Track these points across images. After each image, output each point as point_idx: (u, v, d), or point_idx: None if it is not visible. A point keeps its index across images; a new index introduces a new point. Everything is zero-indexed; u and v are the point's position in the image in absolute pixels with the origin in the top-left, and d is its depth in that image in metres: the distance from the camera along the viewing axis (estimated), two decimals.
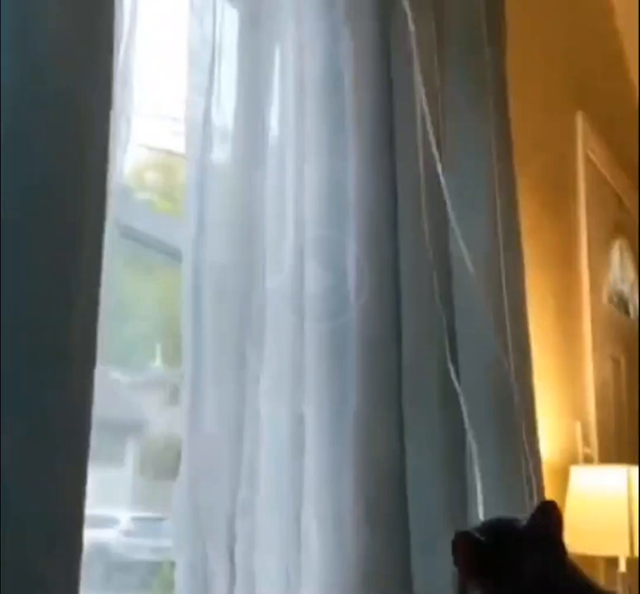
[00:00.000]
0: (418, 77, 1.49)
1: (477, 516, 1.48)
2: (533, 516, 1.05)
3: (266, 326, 1.27)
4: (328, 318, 1.37)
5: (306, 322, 1.33)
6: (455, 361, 1.52)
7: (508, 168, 1.80)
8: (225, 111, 1.26)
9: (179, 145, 1.55)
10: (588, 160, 2.84)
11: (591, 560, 2.22)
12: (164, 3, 1.37)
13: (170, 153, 1.63)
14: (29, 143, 0.82)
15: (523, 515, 1.08)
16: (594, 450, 2.63)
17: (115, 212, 0.97)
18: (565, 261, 2.69)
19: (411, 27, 1.49)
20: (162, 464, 1.53)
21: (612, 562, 2.26)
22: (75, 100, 0.85)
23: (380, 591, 1.35)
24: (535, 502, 1.67)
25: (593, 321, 2.74)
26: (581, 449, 2.55)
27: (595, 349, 2.73)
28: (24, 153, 0.81)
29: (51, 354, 0.80)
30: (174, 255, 1.37)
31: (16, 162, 0.80)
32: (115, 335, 1.38)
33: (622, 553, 2.18)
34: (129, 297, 1.50)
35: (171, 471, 1.20)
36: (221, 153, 1.26)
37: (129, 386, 1.56)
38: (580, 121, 2.81)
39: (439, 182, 1.52)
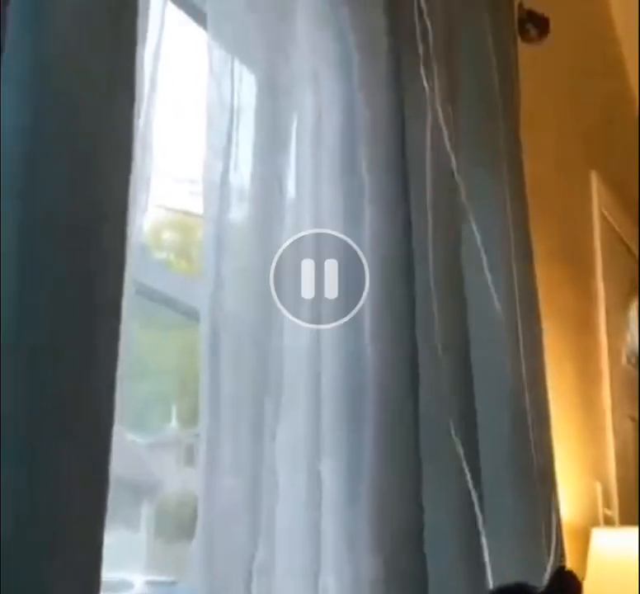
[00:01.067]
0: (431, 144, 1.52)
1: (495, 577, 1.46)
2: (550, 585, 1.02)
3: (283, 383, 1.27)
4: (345, 374, 1.37)
5: (323, 379, 1.32)
6: (474, 424, 1.51)
7: (524, 232, 1.82)
8: (242, 173, 1.28)
9: (196, 205, 1.57)
10: (603, 219, 2.85)
11: None
12: (183, 67, 1.40)
13: (187, 213, 1.65)
14: (50, 204, 0.83)
15: (541, 581, 1.06)
16: (615, 512, 2.60)
17: (132, 271, 0.98)
18: (583, 323, 2.69)
19: (427, 94, 1.52)
20: (177, 526, 1.51)
21: None
22: (97, 163, 0.86)
23: None
24: (554, 564, 1.65)
25: (611, 382, 2.73)
26: (601, 510, 2.52)
27: (614, 410, 2.71)
28: (45, 214, 0.82)
29: (70, 414, 0.80)
30: (189, 314, 1.38)
31: (38, 222, 0.80)
32: (131, 395, 1.38)
33: None
34: (145, 357, 1.50)
35: (186, 532, 1.18)
36: (238, 213, 1.28)
37: (145, 447, 1.55)
38: (594, 181, 2.83)
39: (455, 246, 1.53)
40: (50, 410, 0.79)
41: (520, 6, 2.08)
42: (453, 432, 1.48)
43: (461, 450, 1.48)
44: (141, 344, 1.42)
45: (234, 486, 1.21)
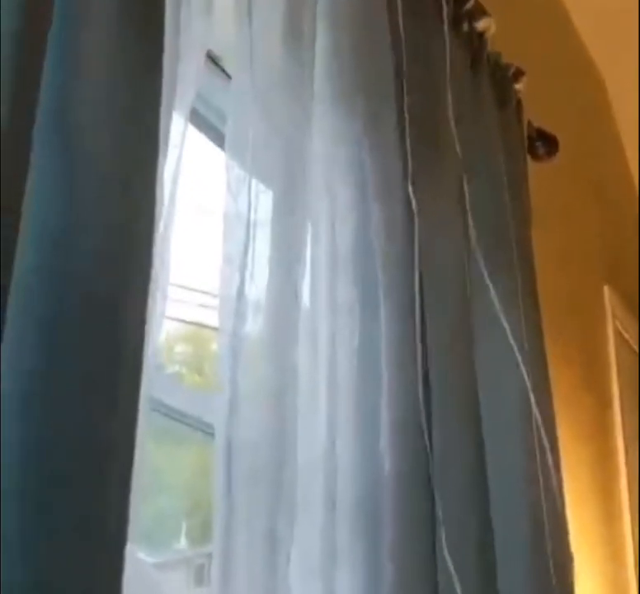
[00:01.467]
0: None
1: None
2: None
3: (297, 501, 1.24)
4: (360, 485, 1.34)
5: (338, 496, 1.30)
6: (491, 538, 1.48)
7: (538, 344, 1.81)
8: (258, 285, 1.28)
9: (208, 317, 1.57)
10: (618, 333, 2.85)
11: None
12: (201, 184, 1.42)
13: (199, 325, 1.65)
14: (68, 322, 0.83)
15: None
16: None
17: (148, 386, 0.97)
18: (600, 433, 2.66)
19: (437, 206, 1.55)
20: None
21: None
22: (118, 278, 0.87)
23: None
24: None
25: (631, 498, 2.68)
26: None
27: (633, 523, 2.65)
28: (63, 333, 0.82)
29: (83, 535, 0.78)
30: (201, 428, 1.36)
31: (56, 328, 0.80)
32: (141, 512, 1.35)
33: None
34: (155, 472, 1.47)
35: None
36: (254, 326, 1.27)
37: (154, 566, 1.51)
38: (607, 295, 2.85)
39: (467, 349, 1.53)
40: (63, 531, 0.77)
41: (530, 124, 2.12)
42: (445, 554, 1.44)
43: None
44: (151, 459, 1.40)
45: None
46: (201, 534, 1.62)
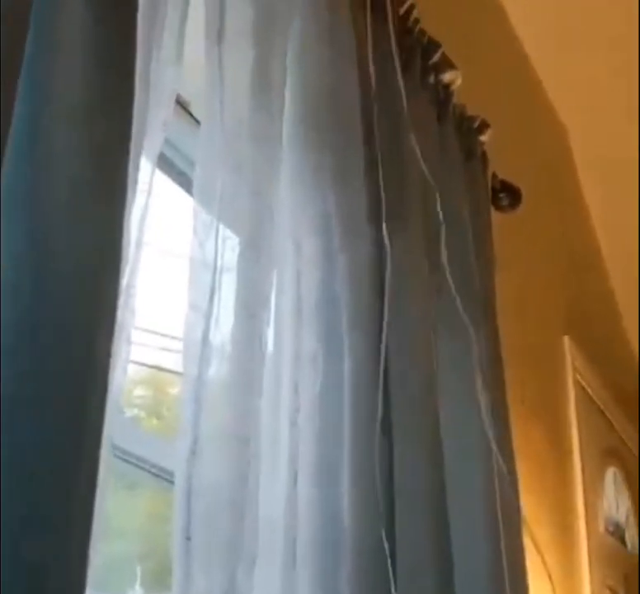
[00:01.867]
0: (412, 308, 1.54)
1: None
2: None
3: (258, 550, 1.23)
4: (321, 539, 1.33)
5: (298, 545, 1.29)
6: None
7: (500, 396, 1.82)
8: (223, 331, 1.28)
9: (168, 361, 1.56)
10: (578, 384, 2.87)
11: None
12: (168, 229, 1.42)
13: (158, 368, 1.64)
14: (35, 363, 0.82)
15: None
16: None
17: (110, 431, 0.96)
18: (560, 486, 2.66)
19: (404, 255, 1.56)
20: None
21: None
22: (84, 323, 0.87)
23: None
24: None
25: (590, 550, 2.67)
26: None
27: (592, 580, 2.64)
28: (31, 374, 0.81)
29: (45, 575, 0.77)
30: (155, 473, 1.34)
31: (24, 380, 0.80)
32: (97, 557, 1.33)
33: None
34: (109, 518, 1.45)
35: None
36: (218, 371, 1.27)
37: None
38: (567, 345, 2.87)
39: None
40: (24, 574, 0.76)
41: (494, 176, 2.15)
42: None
43: None
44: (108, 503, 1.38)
45: None
46: (156, 579, 1.60)
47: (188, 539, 1.16)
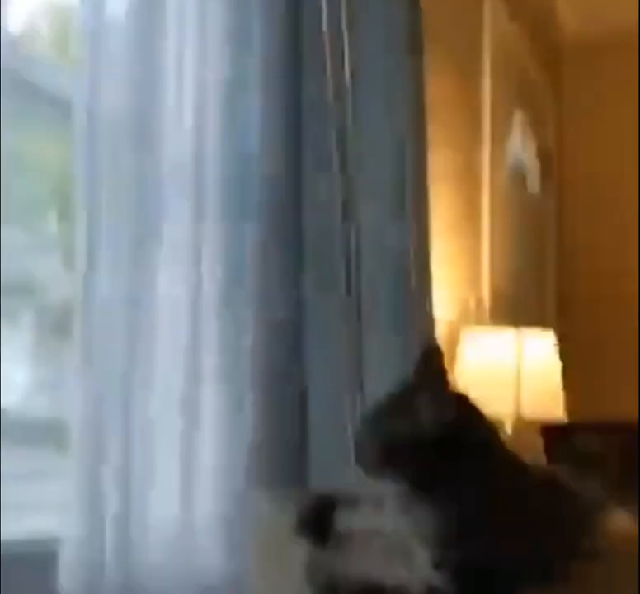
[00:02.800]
0: None
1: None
2: (418, 362, 1.05)
3: (165, 183, 1.25)
4: (229, 173, 1.36)
5: (208, 172, 1.31)
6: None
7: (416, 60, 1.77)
8: None
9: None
10: (496, 30, 2.81)
11: None
12: None
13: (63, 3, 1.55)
14: None
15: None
16: (485, 315, 2.69)
17: (5, 62, 0.93)
18: (467, 135, 2.69)
19: None
20: (59, 327, 1.51)
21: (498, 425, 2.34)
22: None
23: (274, 455, 1.39)
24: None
25: (492, 192, 2.77)
26: (474, 313, 2.60)
27: (493, 216, 2.77)
28: None
29: None
30: (60, 107, 1.31)
31: None
32: (10, 195, 1.33)
33: (508, 415, 2.26)
34: (18, 156, 1.44)
35: (68, 333, 1.19)
36: (119, 6, 1.21)
37: (23, 247, 1.52)
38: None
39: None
40: None
41: None
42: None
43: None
44: (16, 141, 1.36)
45: (112, 292, 1.21)
46: (71, 217, 1.62)
47: (93, 175, 1.16)
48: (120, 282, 1.21)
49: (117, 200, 1.21)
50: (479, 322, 2.62)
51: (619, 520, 1.05)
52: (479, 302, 2.68)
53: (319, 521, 0.99)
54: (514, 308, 2.93)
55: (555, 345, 2.37)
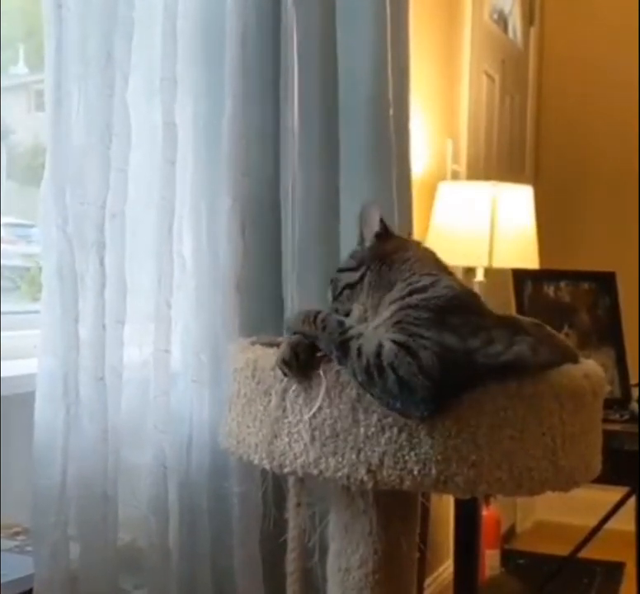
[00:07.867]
0: None
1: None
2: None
3: (135, 15, 1.20)
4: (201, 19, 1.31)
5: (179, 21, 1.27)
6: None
7: None
8: None
9: None
10: None
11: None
12: None
13: None
14: None
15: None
16: (462, 167, 2.69)
17: None
18: None
19: None
20: (30, 172, 1.49)
21: (471, 271, 2.38)
22: None
23: (252, 294, 1.41)
24: (399, 215, 1.73)
25: (473, 36, 2.71)
26: (450, 166, 2.60)
27: (471, 65, 2.71)
28: None
29: None
30: None
31: None
32: None
33: (480, 263, 2.30)
34: None
35: (40, 178, 1.16)
36: None
37: None
38: None
39: None
40: None
41: None
42: None
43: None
44: None
45: (84, 135, 1.18)
46: (38, 59, 1.58)
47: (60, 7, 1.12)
48: (92, 125, 1.18)
49: (85, 31, 1.17)
50: (455, 176, 2.62)
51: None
52: (456, 153, 2.66)
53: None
54: (491, 161, 2.92)
55: (530, 199, 2.38)
